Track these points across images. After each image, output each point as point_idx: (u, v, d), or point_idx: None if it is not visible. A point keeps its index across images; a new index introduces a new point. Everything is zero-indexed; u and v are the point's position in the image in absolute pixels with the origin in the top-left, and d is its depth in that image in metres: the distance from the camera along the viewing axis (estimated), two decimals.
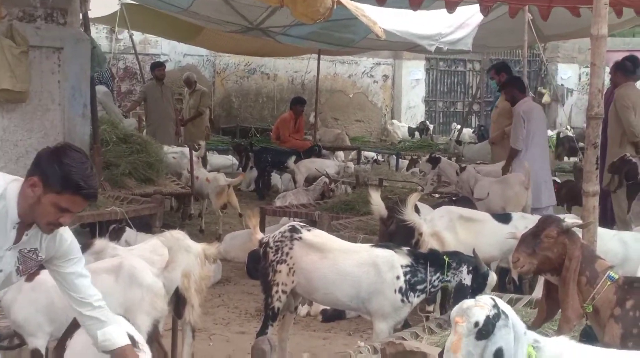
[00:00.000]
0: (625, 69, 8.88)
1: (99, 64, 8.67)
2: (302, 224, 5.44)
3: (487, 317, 2.74)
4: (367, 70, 20.90)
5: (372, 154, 16.60)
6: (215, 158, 15.22)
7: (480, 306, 2.77)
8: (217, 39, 13.80)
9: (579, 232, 4.20)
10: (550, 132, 20.21)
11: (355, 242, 6.22)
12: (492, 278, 5.02)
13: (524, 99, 8.85)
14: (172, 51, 18.11)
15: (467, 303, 2.82)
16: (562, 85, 20.06)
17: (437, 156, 10.31)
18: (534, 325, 3.92)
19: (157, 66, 13.55)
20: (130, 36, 15.20)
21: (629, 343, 3.62)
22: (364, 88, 21.01)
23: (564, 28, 10.79)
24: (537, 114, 8.89)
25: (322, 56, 15.75)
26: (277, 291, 5.09)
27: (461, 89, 22.36)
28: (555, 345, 2.93)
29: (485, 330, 2.73)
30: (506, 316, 2.77)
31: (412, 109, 21.36)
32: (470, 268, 4.91)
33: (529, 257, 3.84)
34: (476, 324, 2.74)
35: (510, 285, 7.17)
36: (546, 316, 3.97)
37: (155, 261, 4.88)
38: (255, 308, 7.19)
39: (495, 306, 2.76)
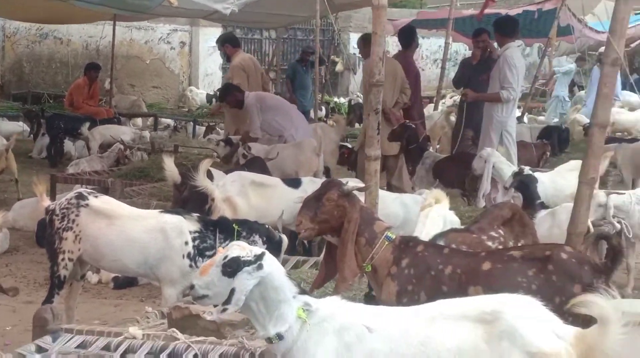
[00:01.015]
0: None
1: None
2: (89, 191, 5.27)
3: (238, 257, 2.89)
4: (163, 36, 20.43)
5: (169, 121, 16.31)
6: (5, 125, 14.50)
7: (241, 248, 2.95)
8: (4, 4, 12.90)
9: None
10: (342, 100, 20.78)
11: (149, 209, 6.09)
12: (285, 242, 5.13)
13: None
14: None
15: (238, 243, 3.01)
16: (354, 54, 20.50)
17: None
18: (314, 285, 3.99)
19: None
20: None
21: (404, 299, 3.75)
22: (160, 54, 20.53)
23: None
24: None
25: (117, 22, 15.19)
26: (63, 259, 4.91)
27: (258, 56, 22.37)
28: (327, 306, 3.00)
29: (229, 267, 2.90)
30: (259, 269, 2.89)
31: (210, 76, 21.14)
32: (264, 238, 4.96)
33: (311, 220, 3.88)
34: (225, 257, 2.92)
35: (300, 247, 7.26)
36: (325, 276, 4.04)
37: None
38: (44, 277, 6.85)
39: (258, 257, 2.91)
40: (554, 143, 10.39)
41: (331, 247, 3.99)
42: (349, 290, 3.94)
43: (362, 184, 4.34)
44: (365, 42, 9.12)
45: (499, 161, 7.33)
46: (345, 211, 3.84)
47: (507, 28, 8.63)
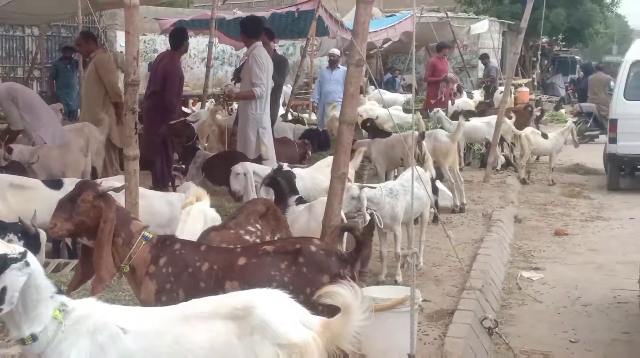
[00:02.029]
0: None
1: None
2: None
3: (5, 255, 2.80)
4: None
5: None
6: None
7: (5, 246, 2.87)
8: None
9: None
10: None
11: None
12: (43, 235, 5.12)
13: None
14: None
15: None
16: (121, 52, 20.00)
17: None
18: (70, 287, 3.88)
19: None
20: None
21: (163, 298, 3.74)
22: None
23: None
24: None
25: None
26: None
27: (21, 54, 21.26)
28: (84, 306, 2.95)
29: None
30: (26, 266, 2.80)
31: None
32: (20, 235, 4.81)
33: (66, 222, 3.77)
34: None
35: (65, 249, 7.01)
36: (82, 278, 3.95)
37: None
38: None
39: (22, 254, 2.82)
40: (314, 143, 10.82)
41: (86, 249, 3.90)
42: (104, 290, 3.86)
43: (118, 185, 4.26)
44: (87, 38, 9.05)
45: (254, 171, 7.37)
46: (101, 212, 3.77)
47: (251, 30, 8.79)
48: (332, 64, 14.72)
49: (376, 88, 17.97)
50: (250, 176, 7.21)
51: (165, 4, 22.33)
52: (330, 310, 3.15)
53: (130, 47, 4.41)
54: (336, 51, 14.60)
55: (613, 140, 12.55)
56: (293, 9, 14.08)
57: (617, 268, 8.05)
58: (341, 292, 2.95)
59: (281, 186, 5.80)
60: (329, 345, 2.97)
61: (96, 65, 9.01)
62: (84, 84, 9.64)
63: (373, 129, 10.28)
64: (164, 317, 3.01)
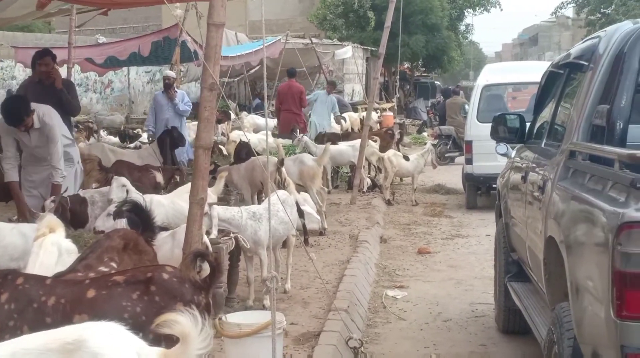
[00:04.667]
0: None
1: None
2: None
3: None
4: None
5: None
6: None
7: None
8: None
9: None
10: None
11: None
12: None
13: None
14: None
15: None
16: None
17: None
18: None
19: None
20: None
21: (6, 336, 3.43)
22: None
23: None
24: None
25: None
26: None
27: None
28: None
29: None
30: None
31: None
32: None
33: None
34: None
35: None
36: None
37: None
38: None
39: None
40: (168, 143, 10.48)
41: None
42: None
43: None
44: None
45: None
46: None
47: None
48: (168, 87, 12.21)
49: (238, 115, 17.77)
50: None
51: (21, 29, 21.34)
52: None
53: None
54: (171, 73, 13.18)
55: (469, 161, 12.90)
56: (159, 37, 13.72)
57: (475, 283, 8.21)
58: (179, 320, 2.82)
59: (145, 214, 5.25)
60: None
61: None
62: None
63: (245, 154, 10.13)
64: None
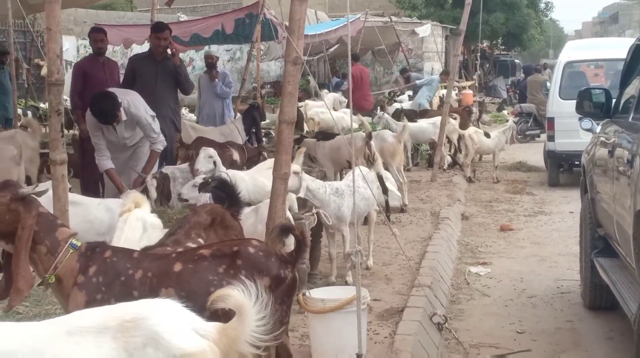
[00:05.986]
0: None
1: None
2: None
3: None
4: None
5: None
6: None
7: None
8: None
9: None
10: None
11: None
12: None
13: None
14: None
15: None
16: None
17: None
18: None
19: None
20: None
21: None
22: None
23: None
24: None
25: None
26: None
27: None
28: None
29: None
30: None
31: None
32: None
33: None
34: None
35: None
36: (6, 288, 3.49)
37: None
38: None
39: None
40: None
41: (10, 256, 3.51)
42: (21, 303, 3.50)
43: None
44: None
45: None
46: (19, 216, 3.38)
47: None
48: (211, 67, 11.98)
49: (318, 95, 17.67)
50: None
51: (104, 7, 21.52)
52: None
53: (52, 44, 4.02)
54: (213, 52, 12.63)
55: (551, 138, 12.61)
56: (241, 14, 13.57)
57: (559, 259, 7.97)
58: (232, 294, 2.73)
59: (229, 189, 5.13)
60: (228, 350, 2.73)
61: None
62: None
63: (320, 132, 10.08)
64: (43, 334, 2.63)
